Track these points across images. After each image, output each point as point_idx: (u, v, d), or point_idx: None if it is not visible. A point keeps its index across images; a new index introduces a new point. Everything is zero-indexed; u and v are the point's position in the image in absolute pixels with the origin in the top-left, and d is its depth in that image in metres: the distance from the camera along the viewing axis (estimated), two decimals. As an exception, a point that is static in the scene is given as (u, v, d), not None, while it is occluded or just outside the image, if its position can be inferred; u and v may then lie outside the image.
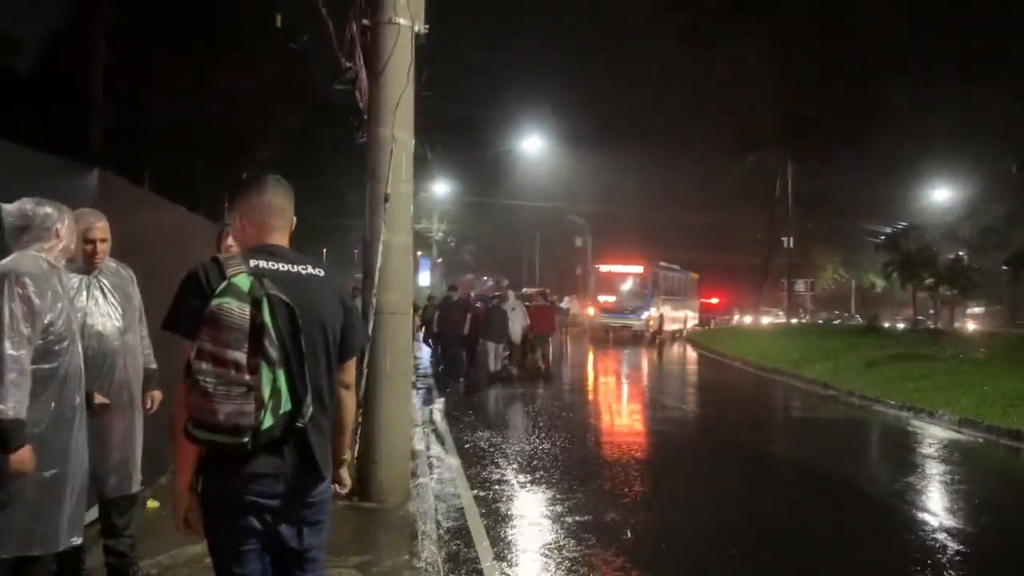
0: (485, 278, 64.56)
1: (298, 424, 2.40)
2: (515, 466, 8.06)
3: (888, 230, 31.64)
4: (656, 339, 30.73)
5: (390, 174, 5.96)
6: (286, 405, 2.36)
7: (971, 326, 36.55)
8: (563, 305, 28.64)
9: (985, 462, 9.82)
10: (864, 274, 50.91)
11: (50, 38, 28.63)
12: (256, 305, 2.33)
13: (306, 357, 2.42)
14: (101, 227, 3.59)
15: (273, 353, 2.32)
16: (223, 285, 2.34)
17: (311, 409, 2.43)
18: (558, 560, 5.26)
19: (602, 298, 32.10)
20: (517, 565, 5.13)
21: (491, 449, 8.91)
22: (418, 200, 39.02)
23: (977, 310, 40.78)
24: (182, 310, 2.42)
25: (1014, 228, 28.58)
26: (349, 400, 2.75)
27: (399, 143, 6.03)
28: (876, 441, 11.61)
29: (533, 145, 40.08)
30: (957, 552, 5.73)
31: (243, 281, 2.35)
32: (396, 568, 4.66)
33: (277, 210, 2.61)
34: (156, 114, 26.58)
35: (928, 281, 31.07)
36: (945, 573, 5.27)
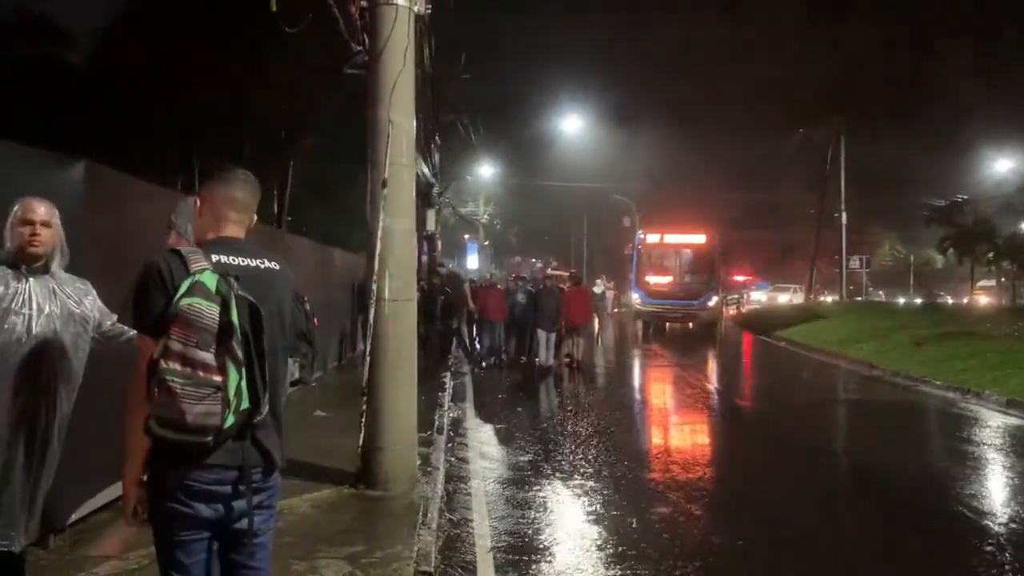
0: (533, 260, 64.55)
1: (255, 420, 2.43)
2: (531, 459, 7.93)
3: (943, 203, 30.35)
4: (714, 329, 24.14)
5: (387, 158, 5.85)
6: (245, 403, 2.38)
7: (983, 300, 34.75)
8: (597, 289, 25.16)
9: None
10: (923, 250, 49.37)
11: (102, 29, 29.25)
12: (224, 305, 2.33)
13: (267, 355, 2.44)
14: (43, 210, 3.25)
15: (239, 353, 2.34)
16: (189, 282, 2.33)
17: (268, 407, 2.45)
18: (554, 554, 5.13)
19: (651, 279, 24.37)
20: (512, 560, 4.97)
21: (510, 440, 8.81)
22: (464, 183, 39.18)
23: (989, 283, 37.99)
24: (145, 306, 2.40)
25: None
26: None
27: (396, 126, 5.91)
28: (920, 425, 11.18)
29: (578, 125, 39.63)
30: (998, 545, 5.44)
31: (210, 279, 2.35)
32: (386, 559, 4.59)
33: (238, 205, 2.63)
34: (203, 103, 27.03)
35: (989, 255, 29.87)
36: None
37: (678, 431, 10.20)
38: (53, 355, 3.21)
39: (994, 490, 7.11)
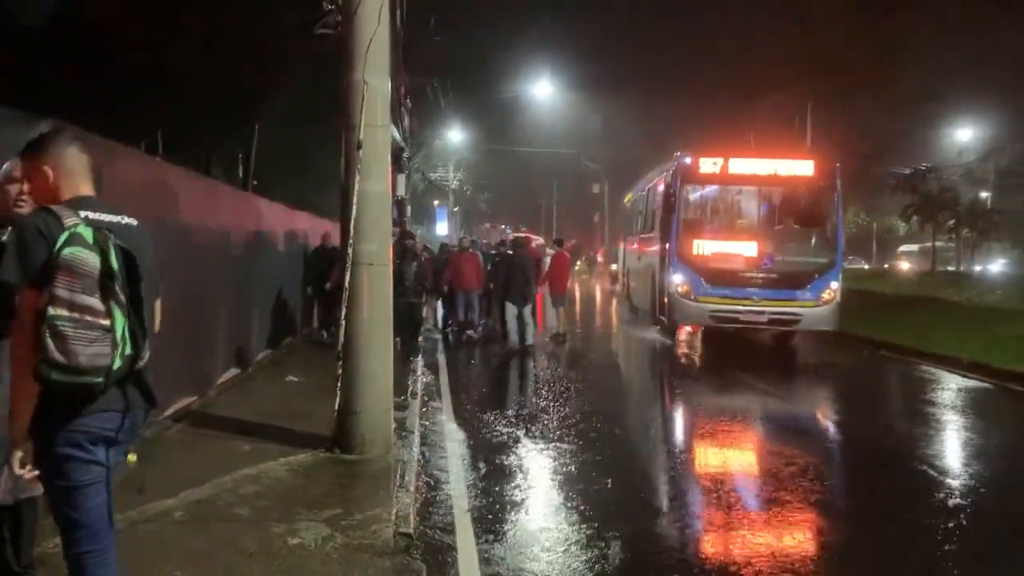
0: (503, 226, 64.39)
1: (138, 364, 2.65)
2: (506, 423, 8.01)
3: (908, 171, 30.79)
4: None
5: (362, 120, 5.77)
6: (129, 348, 2.58)
7: (905, 266, 34.94)
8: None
9: (993, 408, 9.65)
10: (887, 218, 50.09)
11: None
12: (103, 254, 2.53)
13: (143, 301, 2.67)
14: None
15: (123, 298, 2.57)
16: (66, 235, 2.48)
17: (148, 351, 2.69)
18: (533, 513, 5.20)
19: (711, 247, 13.55)
20: (491, 521, 5.02)
21: (484, 406, 8.87)
22: (434, 148, 38.81)
23: (911, 247, 37.72)
24: (29, 261, 2.49)
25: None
26: None
27: (371, 87, 5.82)
28: (882, 387, 11.44)
29: (548, 91, 39.32)
30: (958, 502, 5.62)
31: (86, 232, 2.52)
32: (365, 521, 4.61)
33: (84, 162, 2.77)
34: (169, 64, 26.25)
35: (950, 223, 30.48)
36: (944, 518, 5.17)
37: (649, 395, 10.34)
38: None
39: (951, 446, 7.33)
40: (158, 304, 2.95)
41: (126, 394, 2.66)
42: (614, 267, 35.83)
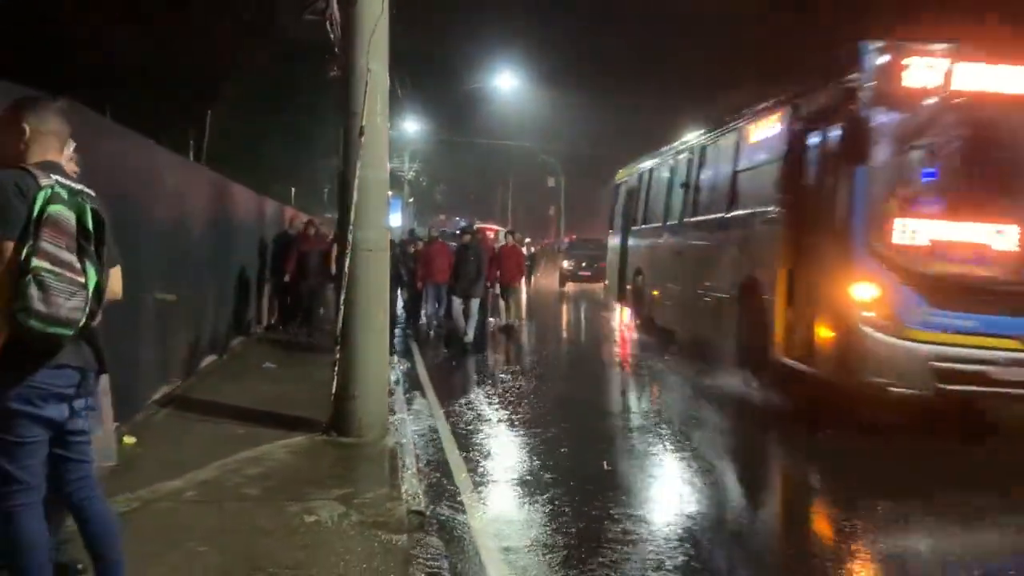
0: (457, 218, 64.32)
1: (93, 323, 2.72)
2: (491, 405, 8.20)
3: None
4: None
5: (365, 107, 5.84)
6: (91, 305, 2.68)
7: None
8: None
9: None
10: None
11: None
12: (80, 214, 2.66)
13: (105, 264, 2.76)
14: None
15: (96, 258, 2.70)
16: (47, 193, 2.58)
17: (100, 312, 2.77)
18: (535, 490, 5.35)
19: (924, 233, 6.67)
20: (496, 495, 5.22)
21: (467, 390, 9.01)
22: (390, 138, 38.60)
23: None
24: (10, 214, 2.54)
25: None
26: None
27: (374, 75, 5.89)
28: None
29: (506, 83, 39.37)
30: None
31: (63, 191, 2.64)
32: (378, 499, 4.70)
33: (63, 132, 2.87)
34: (126, 46, 25.54)
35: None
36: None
37: (612, 370, 10.55)
38: None
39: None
40: (118, 272, 2.96)
41: (82, 351, 2.73)
42: (567, 264, 33.02)
